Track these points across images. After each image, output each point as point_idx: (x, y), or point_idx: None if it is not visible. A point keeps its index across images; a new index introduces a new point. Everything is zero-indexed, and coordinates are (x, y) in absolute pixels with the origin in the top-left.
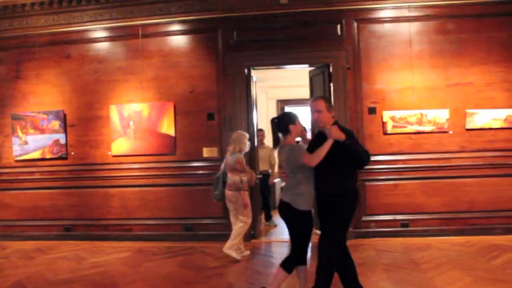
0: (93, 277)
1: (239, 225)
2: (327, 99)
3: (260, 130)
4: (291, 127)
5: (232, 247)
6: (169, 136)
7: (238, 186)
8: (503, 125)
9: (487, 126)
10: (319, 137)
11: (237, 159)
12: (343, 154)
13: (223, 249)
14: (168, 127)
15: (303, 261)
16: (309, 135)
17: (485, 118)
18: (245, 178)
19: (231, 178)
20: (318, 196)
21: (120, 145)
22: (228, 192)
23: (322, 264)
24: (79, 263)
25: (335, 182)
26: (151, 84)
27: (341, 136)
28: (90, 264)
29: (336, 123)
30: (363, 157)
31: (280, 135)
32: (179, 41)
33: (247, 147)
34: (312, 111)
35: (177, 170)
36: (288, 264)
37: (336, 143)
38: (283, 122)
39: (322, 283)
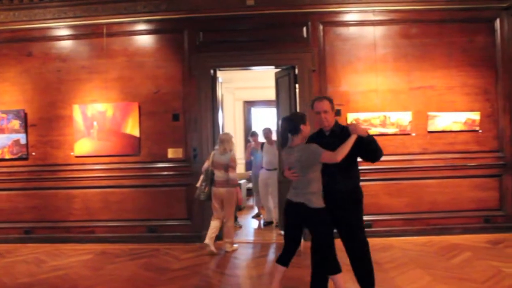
0: (53, 281)
1: (228, 223)
2: (330, 99)
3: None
4: (302, 127)
5: (230, 243)
6: (133, 136)
7: (235, 183)
8: (463, 127)
9: (448, 129)
10: (318, 136)
11: (231, 157)
12: (360, 149)
13: (231, 247)
14: (132, 128)
15: (339, 267)
16: (274, 137)
17: (446, 120)
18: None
19: (223, 176)
20: (333, 193)
21: (83, 146)
22: (220, 190)
23: (367, 260)
24: (39, 267)
25: (353, 176)
26: (115, 84)
27: (365, 132)
28: (51, 267)
29: (337, 122)
30: (379, 153)
31: (289, 135)
32: (145, 41)
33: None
34: (318, 112)
35: (141, 171)
36: (332, 268)
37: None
38: (294, 122)
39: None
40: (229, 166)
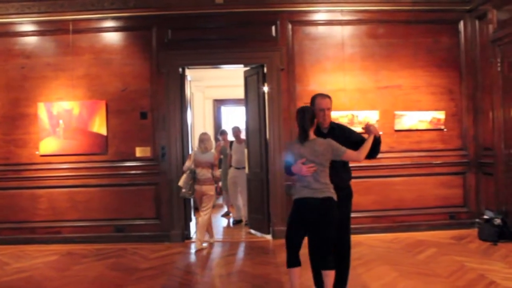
0: (16, 284)
1: (206, 216)
2: (330, 97)
3: None
4: (315, 120)
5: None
6: (100, 135)
7: (218, 179)
8: (429, 126)
9: (414, 128)
10: (317, 133)
11: (215, 156)
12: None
13: (200, 245)
14: (99, 126)
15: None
16: (243, 135)
17: (412, 119)
18: None
19: (206, 174)
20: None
21: (48, 145)
22: (204, 187)
23: (348, 256)
24: (1, 269)
25: (348, 173)
26: (82, 81)
27: (378, 133)
28: (14, 269)
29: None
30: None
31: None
32: (112, 38)
33: None
34: (322, 109)
35: (108, 170)
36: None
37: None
38: (313, 114)
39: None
40: (214, 164)
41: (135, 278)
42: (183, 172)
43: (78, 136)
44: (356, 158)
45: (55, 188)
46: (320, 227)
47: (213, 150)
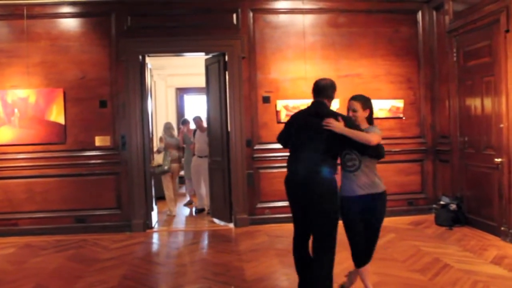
0: None
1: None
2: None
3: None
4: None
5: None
6: (58, 124)
7: (181, 159)
8: (388, 115)
9: (374, 116)
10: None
11: (180, 140)
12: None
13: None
14: (57, 115)
15: None
16: (205, 124)
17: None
18: None
19: (176, 154)
20: None
21: (3, 134)
22: (173, 165)
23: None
24: None
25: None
26: (38, 69)
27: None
28: None
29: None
30: None
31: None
32: (70, 24)
33: None
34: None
35: (67, 159)
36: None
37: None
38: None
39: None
40: (178, 146)
41: (95, 269)
42: (158, 152)
43: (34, 125)
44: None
45: (11, 179)
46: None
47: (177, 137)
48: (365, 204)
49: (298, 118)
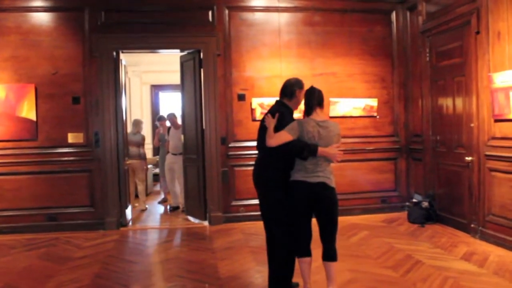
0: None
1: (142, 186)
2: None
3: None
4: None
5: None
6: (30, 120)
7: (144, 156)
8: (362, 113)
9: (348, 114)
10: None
11: (143, 137)
12: None
13: (138, 208)
14: (28, 111)
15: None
16: (179, 121)
17: (347, 106)
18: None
19: (136, 151)
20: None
21: None
22: (134, 161)
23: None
24: None
25: None
26: (8, 64)
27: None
28: None
29: None
30: None
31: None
32: (42, 19)
33: None
34: None
35: (39, 156)
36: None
37: None
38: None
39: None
40: (140, 143)
41: (67, 267)
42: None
43: (4, 121)
44: None
45: None
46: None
47: (142, 132)
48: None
49: (263, 119)
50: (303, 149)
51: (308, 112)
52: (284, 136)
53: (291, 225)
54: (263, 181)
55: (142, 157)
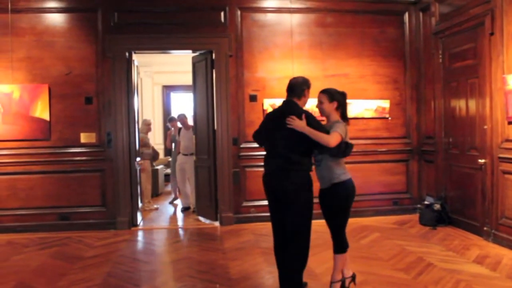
0: None
1: (149, 186)
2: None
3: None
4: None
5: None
6: (43, 120)
7: (145, 156)
8: (374, 115)
9: (360, 116)
10: None
11: (143, 137)
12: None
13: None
14: (42, 111)
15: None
16: (190, 122)
17: (359, 108)
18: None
19: (146, 151)
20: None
21: None
22: (143, 161)
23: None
24: None
25: None
26: (23, 64)
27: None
28: None
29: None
30: None
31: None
32: (55, 19)
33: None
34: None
35: (52, 156)
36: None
37: None
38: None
39: None
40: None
41: (79, 266)
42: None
43: (19, 121)
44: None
45: None
46: None
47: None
48: (325, 197)
49: (269, 117)
50: (349, 149)
51: (344, 114)
52: (340, 137)
53: (308, 239)
54: (293, 185)
55: (144, 157)
